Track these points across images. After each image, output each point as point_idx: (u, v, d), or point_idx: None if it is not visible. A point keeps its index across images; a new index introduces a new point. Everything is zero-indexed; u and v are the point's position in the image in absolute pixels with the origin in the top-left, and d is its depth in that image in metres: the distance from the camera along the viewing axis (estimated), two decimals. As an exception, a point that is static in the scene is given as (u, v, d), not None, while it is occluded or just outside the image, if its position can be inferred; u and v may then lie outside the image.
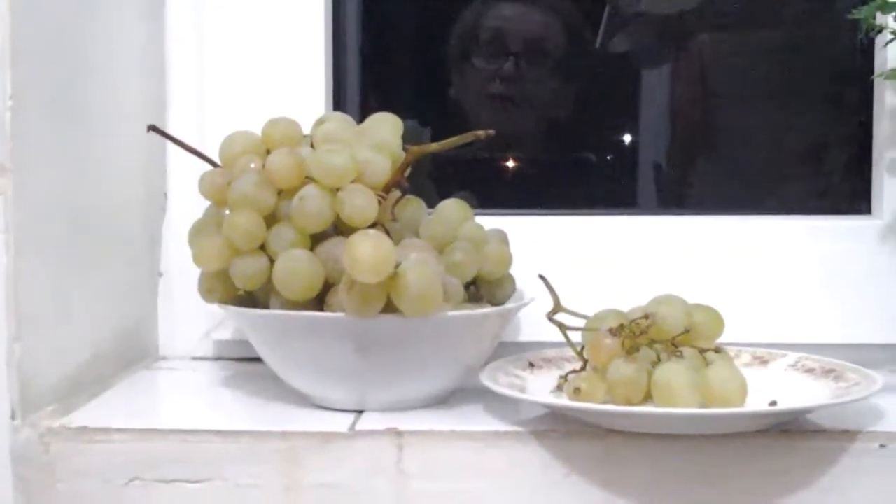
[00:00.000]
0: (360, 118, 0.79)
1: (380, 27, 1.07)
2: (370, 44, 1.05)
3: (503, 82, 1.06)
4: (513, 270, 0.78)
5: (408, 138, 0.77)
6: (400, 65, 1.09)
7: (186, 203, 0.87)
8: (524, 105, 1.07)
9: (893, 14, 0.75)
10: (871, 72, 0.87)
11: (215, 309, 0.77)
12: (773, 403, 0.68)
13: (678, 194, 1.08)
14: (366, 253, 0.66)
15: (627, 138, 1.07)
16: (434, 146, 0.73)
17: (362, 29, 1.04)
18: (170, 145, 0.84)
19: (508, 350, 0.79)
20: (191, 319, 0.89)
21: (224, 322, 0.89)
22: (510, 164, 1.07)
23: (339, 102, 0.95)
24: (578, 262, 0.88)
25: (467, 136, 0.71)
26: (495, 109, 1.07)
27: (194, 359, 0.91)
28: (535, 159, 1.08)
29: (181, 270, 0.86)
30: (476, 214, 0.79)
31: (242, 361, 0.88)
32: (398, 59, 1.09)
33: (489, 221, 0.79)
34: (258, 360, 0.77)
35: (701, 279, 0.86)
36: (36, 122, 0.72)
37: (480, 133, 0.70)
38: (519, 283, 0.79)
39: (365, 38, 1.05)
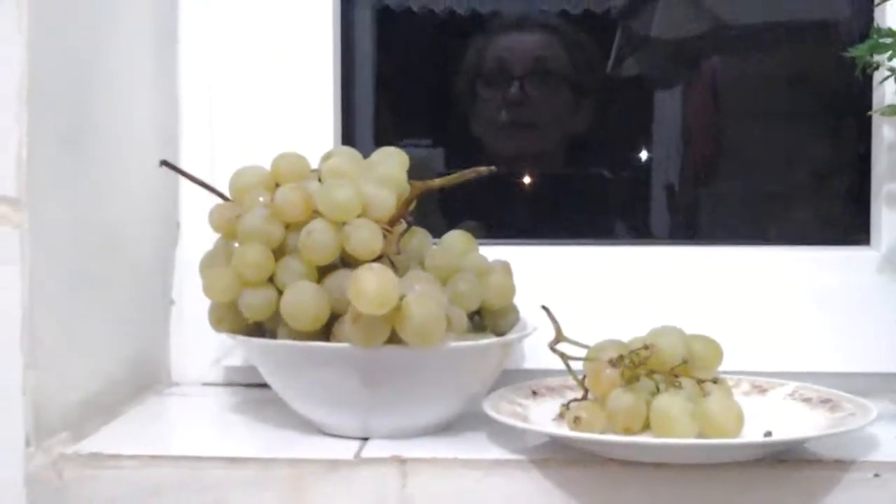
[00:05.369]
0: (375, 140, 0.79)
1: (394, 54, 1.09)
2: (385, 69, 1.07)
3: (515, 110, 1.08)
4: (517, 299, 0.79)
5: (421, 162, 0.77)
6: (414, 89, 1.11)
7: (199, 232, 0.88)
8: (537, 132, 1.09)
9: (888, 53, 0.76)
10: (871, 105, 0.88)
11: (226, 336, 0.79)
12: (768, 434, 0.69)
13: (679, 225, 1.09)
14: (370, 286, 0.68)
15: (629, 171, 1.09)
16: (437, 182, 0.74)
17: (377, 53, 1.06)
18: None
19: (513, 377, 0.81)
20: (202, 346, 0.91)
21: (234, 349, 0.91)
22: (520, 190, 1.09)
23: (351, 128, 0.97)
24: (582, 292, 0.89)
25: (469, 173, 0.72)
26: (508, 137, 1.09)
27: (205, 385, 0.92)
28: (547, 185, 1.10)
29: (193, 298, 0.87)
30: (481, 244, 0.80)
31: (252, 387, 0.90)
32: (413, 84, 1.11)
33: (493, 251, 0.80)
34: (268, 386, 0.79)
35: (703, 308, 0.87)
36: (52, 157, 0.74)
37: (482, 169, 0.72)
38: (523, 312, 0.80)
39: (380, 63, 1.07)
